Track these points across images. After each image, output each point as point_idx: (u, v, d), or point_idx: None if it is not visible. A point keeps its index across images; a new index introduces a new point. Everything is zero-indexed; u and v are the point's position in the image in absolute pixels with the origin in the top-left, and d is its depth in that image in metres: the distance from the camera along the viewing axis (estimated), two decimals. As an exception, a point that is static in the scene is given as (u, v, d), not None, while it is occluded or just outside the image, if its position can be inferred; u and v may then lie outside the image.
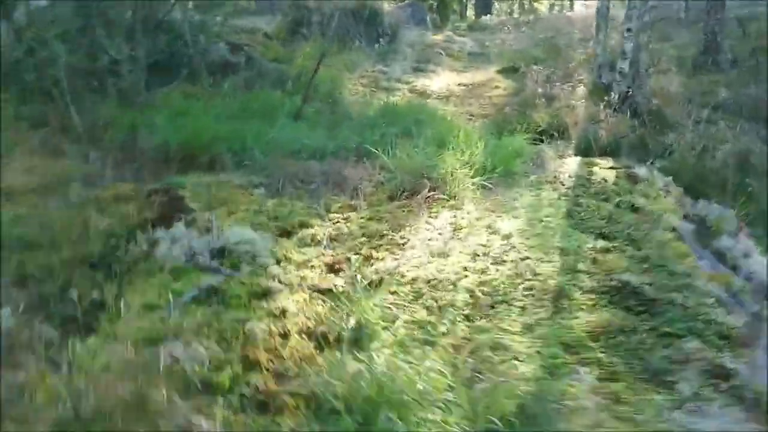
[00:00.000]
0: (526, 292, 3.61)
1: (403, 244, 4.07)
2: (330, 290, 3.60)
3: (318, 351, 3.00)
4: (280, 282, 3.61)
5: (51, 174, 4.62)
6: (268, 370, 2.83)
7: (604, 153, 6.23)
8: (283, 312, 3.33)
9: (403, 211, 4.50)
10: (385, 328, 3.27)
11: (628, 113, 6.83)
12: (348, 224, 4.33)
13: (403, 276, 3.71)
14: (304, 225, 4.25)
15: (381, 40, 10.43)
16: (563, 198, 4.84)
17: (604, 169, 5.49)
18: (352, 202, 4.62)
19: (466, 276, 3.74)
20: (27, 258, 3.67)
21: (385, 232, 4.19)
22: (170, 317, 3.21)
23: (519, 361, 3.04)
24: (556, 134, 6.57)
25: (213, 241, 3.80)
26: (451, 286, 3.64)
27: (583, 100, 6.91)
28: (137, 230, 3.80)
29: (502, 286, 3.66)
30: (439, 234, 4.23)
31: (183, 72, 6.73)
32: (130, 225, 3.95)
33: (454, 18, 19.52)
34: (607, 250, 4.03)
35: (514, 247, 4.08)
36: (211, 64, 7.44)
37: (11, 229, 3.86)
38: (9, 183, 4.41)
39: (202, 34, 7.55)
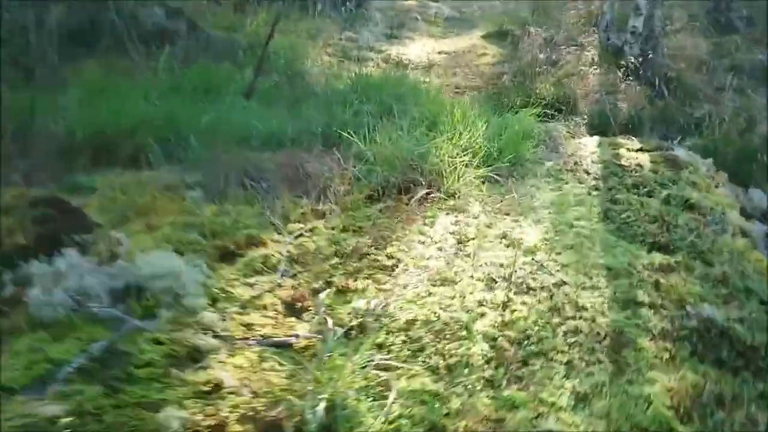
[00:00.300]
0: (569, 338, 2.54)
1: (392, 267, 2.93)
2: (289, 345, 2.48)
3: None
4: (215, 335, 2.47)
5: None
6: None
7: (624, 130, 5.17)
8: (217, 387, 2.21)
9: (389, 217, 3.36)
10: (371, 408, 2.17)
11: (644, 81, 5.76)
12: (314, 238, 3.18)
13: (393, 318, 2.60)
14: (253, 242, 3.07)
15: (348, 3, 9.13)
16: (593, 192, 3.75)
17: (633, 152, 4.40)
18: (320, 207, 3.46)
19: (482, 314, 2.65)
20: None
21: (365, 249, 3.05)
22: (40, 405, 2.06)
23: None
24: (564, 108, 5.45)
25: (118, 275, 2.63)
26: (463, 332, 2.54)
27: (595, 67, 5.79)
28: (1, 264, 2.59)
29: (535, 328, 2.58)
30: (439, 249, 3.11)
31: (104, 43, 5.43)
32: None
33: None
34: (669, 268, 2.97)
35: (543, 266, 2.98)
36: (144, 32, 6.11)
37: None
38: None
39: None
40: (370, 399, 2.22)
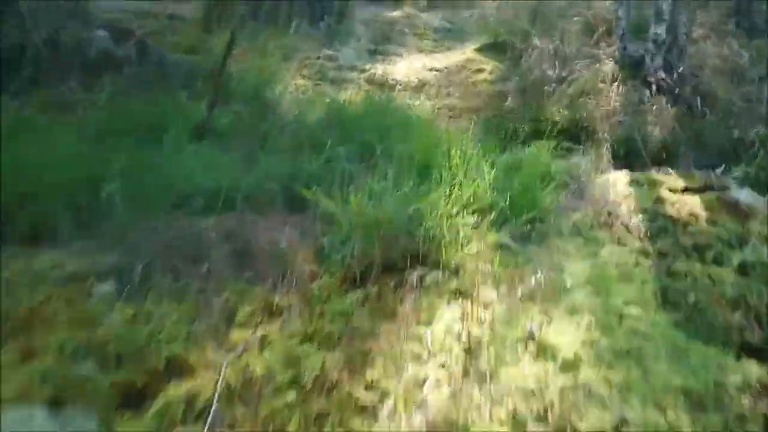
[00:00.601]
0: None
1: (373, 408, 2.01)
2: None
3: None
4: None
5: None
6: None
7: (656, 160, 4.28)
8: None
9: (371, 313, 2.44)
10: None
11: (674, 98, 4.88)
12: (264, 355, 2.25)
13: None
14: (176, 368, 2.15)
15: (326, 17, 8.24)
16: (641, 259, 2.84)
17: (679, 193, 3.50)
18: (276, 299, 2.53)
19: (511, 490, 1.73)
20: None
21: (336, 374, 2.13)
22: None
23: None
24: (582, 135, 4.54)
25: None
26: None
27: (615, 84, 4.90)
28: None
29: None
30: (442, 366, 2.20)
31: (24, 73, 4.52)
32: None
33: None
34: (775, 389, 2.05)
35: (590, 391, 2.06)
36: (86, 60, 5.19)
37: None
38: None
39: (73, 19, 5.32)
40: None
